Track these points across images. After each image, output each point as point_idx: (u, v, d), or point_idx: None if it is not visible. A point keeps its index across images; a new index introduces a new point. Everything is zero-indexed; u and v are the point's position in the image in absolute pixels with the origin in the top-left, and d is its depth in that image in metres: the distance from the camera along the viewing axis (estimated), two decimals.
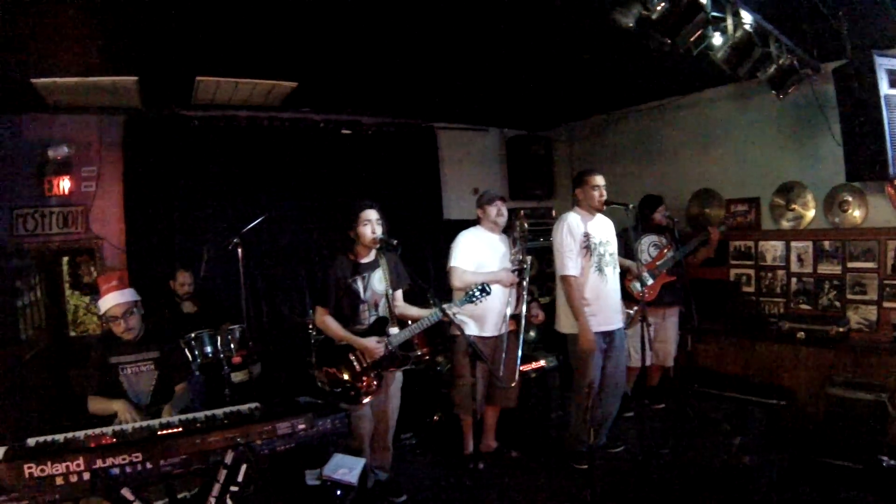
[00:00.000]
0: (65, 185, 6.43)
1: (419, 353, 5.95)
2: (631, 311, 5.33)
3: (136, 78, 5.63)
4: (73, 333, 6.78)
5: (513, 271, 5.17)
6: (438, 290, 5.46)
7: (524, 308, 5.22)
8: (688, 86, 6.95)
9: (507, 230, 5.43)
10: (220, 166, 6.99)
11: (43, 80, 5.40)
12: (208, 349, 5.55)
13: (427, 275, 5.15)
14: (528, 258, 5.22)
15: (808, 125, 6.05)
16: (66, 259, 7.10)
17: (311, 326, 5.88)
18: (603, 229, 5.36)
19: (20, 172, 6.30)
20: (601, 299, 5.19)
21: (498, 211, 5.28)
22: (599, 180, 5.25)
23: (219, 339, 5.59)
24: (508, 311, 5.25)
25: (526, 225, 5.32)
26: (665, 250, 6.24)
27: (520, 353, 5.21)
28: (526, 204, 8.66)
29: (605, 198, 5.22)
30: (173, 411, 4.05)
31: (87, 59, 5.14)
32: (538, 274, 7.58)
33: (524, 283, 5.18)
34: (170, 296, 6.15)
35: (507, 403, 5.48)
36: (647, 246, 6.35)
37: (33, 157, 6.35)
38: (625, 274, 5.76)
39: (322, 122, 7.62)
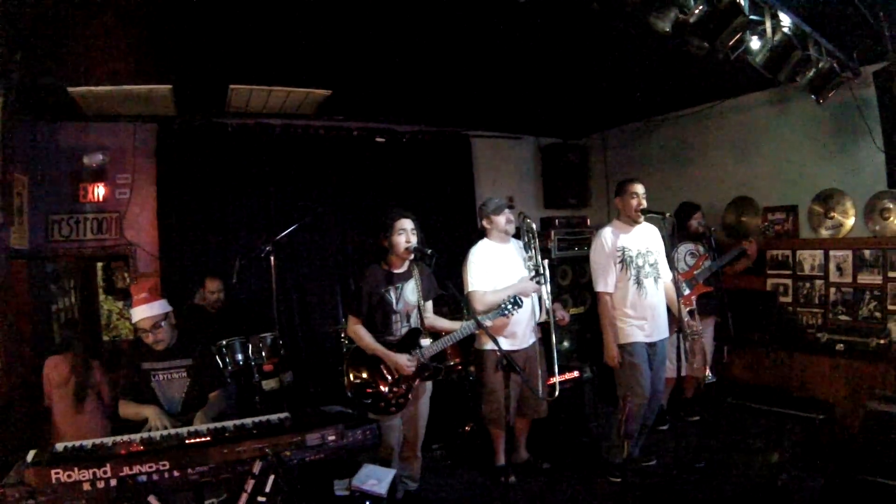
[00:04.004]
0: (99, 191, 6.51)
1: (451, 364, 5.90)
2: (694, 322, 5.19)
3: (170, 86, 5.68)
4: (106, 338, 6.86)
5: (532, 278, 5.06)
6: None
7: (548, 314, 5.14)
8: (724, 91, 6.83)
9: (516, 234, 5.32)
10: (254, 174, 7.02)
11: (79, 88, 5.48)
12: (239, 357, 5.56)
13: (461, 285, 5.11)
14: (545, 262, 5.12)
15: (848, 131, 5.92)
16: (100, 265, 7.20)
17: (343, 335, 5.85)
18: (642, 240, 5.27)
19: (56, 179, 6.37)
20: (643, 311, 5.12)
21: (507, 219, 5.16)
22: (639, 189, 5.19)
23: (250, 346, 5.59)
24: (535, 320, 5.20)
25: (534, 225, 5.19)
26: (702, 260, 6.11)
27: (555, 360, 5.15)
28: (560, 213, 8.58)
29: (642, 206, 5.15)
30: (205, 418, 4.05)
31: (122, 68, 5.19)
32: (572, 283, 7.50)
33: (545, 288, 5.10)
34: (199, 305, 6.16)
35: (538, 414, 5.40)
36: (684, 254, 6.22)
37: (69, 163, 6.43)
38: None
39: (356, 129, 7.61)
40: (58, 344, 4.83)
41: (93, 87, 5.51)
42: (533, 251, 5.10)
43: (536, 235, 5.15)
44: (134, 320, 4.30)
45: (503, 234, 5.18)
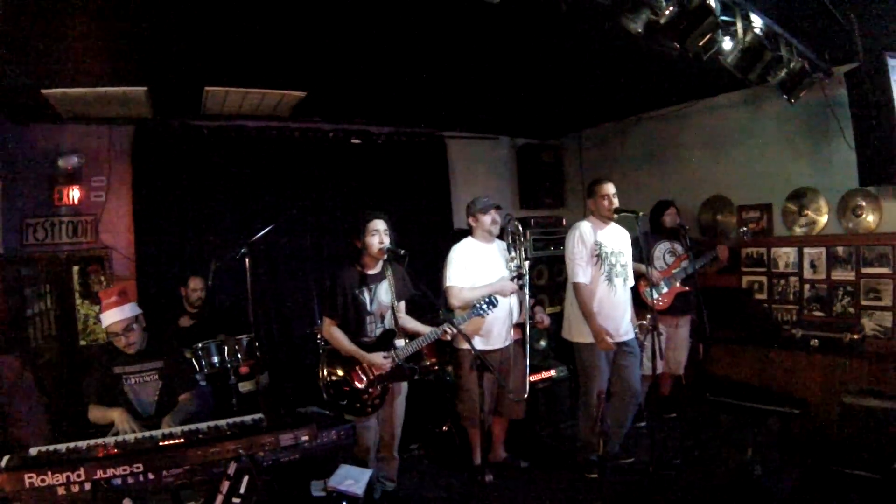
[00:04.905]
0: (74, 194, 6.44)
1: (427, 364, 5.90)
2: (645, 322, 5.23)
3: (145, 88, 5.63)
4: (83, 342, 6.79)
5: (512, 278, 5.08)
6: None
7: (527, 315, 5.16)
8: (698, 92, 6.88)
9: (500, 235, 5.33)
10: (230, 176, 6.98)
11: (54, 90, 5.42)
12: (215, 359, 5.52)
13: (436, 285, 5.13)
14: (527, 263, 5.13)
15: (820, 130, 6.00)
16: (76, 268, 7.13)
17: (319, 336, 5.84)
18: (616, 239, 5.31)
19: (30, 182, 6.30)
20: (609, 309, 5.15)
21: (493, 220, 5.17)
22: (609, 189, 5.21)
23: (226, 349, 5.57)
24: (512, 321, 5.21)
25: (520, 227, 5.21)
26: (681, 260, 6.16)
27: (527, 362, 5.16)
28: (536, 213, 8.56)
29: (614, 206, 5.18)
30: (173, 421, 4.04)
31: (97, 70, 5.15)
32: (548, 283, 7.50)
33: (525, 290, 5.11)
34: (178, 305, 6.13)
35: (515, 414, 5.42)
36: (663, 253, 6.28)
37: (44, 166, 6.34)
38: (639, 279, 5.65)
39: (332, 131, 7.59)
40: (3, 345, 4.91)
41: (67, 89, 5.45)
42: (516, 253, 5.11)
43: (522, 238, 5.17)
44: (105, 324, 4.30)
45: (487, 234, 5.20)
